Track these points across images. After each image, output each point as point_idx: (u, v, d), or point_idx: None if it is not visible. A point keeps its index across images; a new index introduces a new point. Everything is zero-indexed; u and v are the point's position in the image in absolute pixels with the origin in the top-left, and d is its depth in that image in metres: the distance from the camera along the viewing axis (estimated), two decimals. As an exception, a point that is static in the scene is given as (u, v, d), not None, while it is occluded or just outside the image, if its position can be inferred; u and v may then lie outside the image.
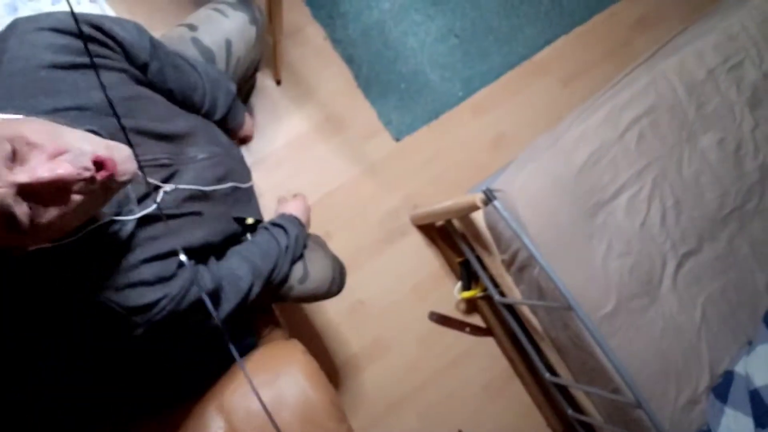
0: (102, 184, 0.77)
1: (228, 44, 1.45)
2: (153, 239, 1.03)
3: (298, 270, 1.48)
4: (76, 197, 0.76)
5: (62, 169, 0.72)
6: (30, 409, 1.33)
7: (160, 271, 1.03)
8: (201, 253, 1.20)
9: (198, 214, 1.17)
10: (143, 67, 1.15)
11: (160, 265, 1.04)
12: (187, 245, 1.11)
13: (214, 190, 1.25)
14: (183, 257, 1.01)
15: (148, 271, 1.01)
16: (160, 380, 1.45)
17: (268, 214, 1.59)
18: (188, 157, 1.19)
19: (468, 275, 2.16)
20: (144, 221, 1.02)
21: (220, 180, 1.28)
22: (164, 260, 1.05)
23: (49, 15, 0.96)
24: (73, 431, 1.38)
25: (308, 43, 2.24)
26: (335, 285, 1.58)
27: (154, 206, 1.03)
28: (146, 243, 1.02)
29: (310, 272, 1.50)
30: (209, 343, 1.48)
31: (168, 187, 1.11)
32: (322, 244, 1.63)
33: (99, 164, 0.76)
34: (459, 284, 2.19)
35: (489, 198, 1.51)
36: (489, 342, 2.26)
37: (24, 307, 0.97)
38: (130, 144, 0.84)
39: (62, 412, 1.37)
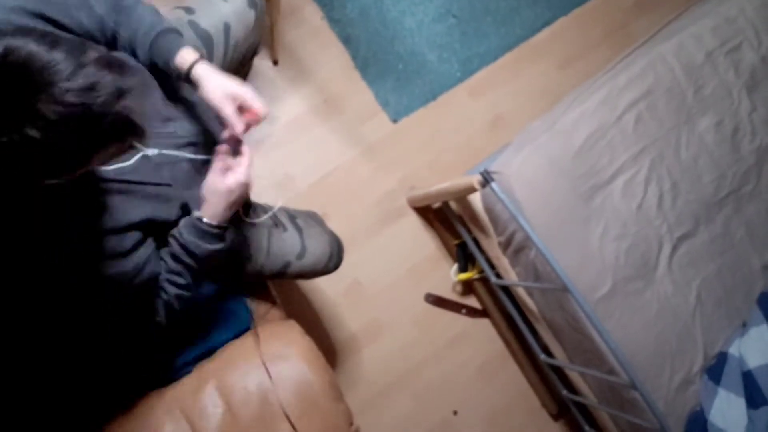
0: None
1: (226, 28, 1.44)
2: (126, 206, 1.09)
3: (295, 246, 1.49)
4: None
5: None
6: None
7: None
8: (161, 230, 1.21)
9: (168, 185, 1.17)
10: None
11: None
12: (163, 218, 1.16)
13: (195, 160, 1.25)
14: None
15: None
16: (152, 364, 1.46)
17: (264, 197, 1.58)
18: (165, 132, 1.20)
19: (464, 257, 2.16)
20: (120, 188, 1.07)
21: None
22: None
23: None
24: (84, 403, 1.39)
25: (305, 23, 2.22)
26: (333, 261, 1.59)
27: (135, 158, 1.07)
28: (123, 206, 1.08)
29: (308, 248, 1.52)
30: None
31: (150, 151, 1.11)
32: (320, 221, 1.64)
33: None
34: (455, 266, 2.20)
35: (486, 180, 1.51)
36: (485, 323, 2.27)
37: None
38: None
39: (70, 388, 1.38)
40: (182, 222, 1.18)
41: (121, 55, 1.15)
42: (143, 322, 1.22)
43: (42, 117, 0.72)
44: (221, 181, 1.14)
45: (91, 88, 0.75)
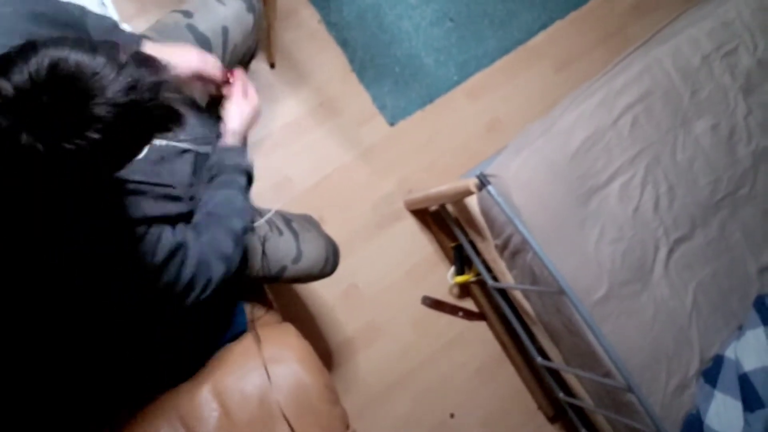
0: None
1: (224, 31, 1.44)
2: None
3: (291, 250, 1.49)
4: None
5: None
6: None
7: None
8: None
9: (171, 186, 1.18)
10: None
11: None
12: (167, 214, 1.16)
13: (193, 155, 1.25)
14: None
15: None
16: (152, 364, 1.46)
17: (261, 200, 1.58)
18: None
19: (461, 260, 2.16)
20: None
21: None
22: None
23: None
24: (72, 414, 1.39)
25: (303, 26, 2.22)
26: (329, 265, 1.59)
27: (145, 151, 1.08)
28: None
29: (304, 252, 1.51)
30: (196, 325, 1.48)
31: (158, 142, 1.14)
32: (315, 225, 1.64)
33: None
34: (452, 269, 2.20)
35: (483, 183, 1.51)
36: (481, 326, 2.27)
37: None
38: None
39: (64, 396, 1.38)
40: (220, 160, 1.24)
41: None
42: (178, 305, 1.21)
43: (99, 119, 0.76)
44: (246, 103, 1.26)
45: (133, 86, 0.79)
